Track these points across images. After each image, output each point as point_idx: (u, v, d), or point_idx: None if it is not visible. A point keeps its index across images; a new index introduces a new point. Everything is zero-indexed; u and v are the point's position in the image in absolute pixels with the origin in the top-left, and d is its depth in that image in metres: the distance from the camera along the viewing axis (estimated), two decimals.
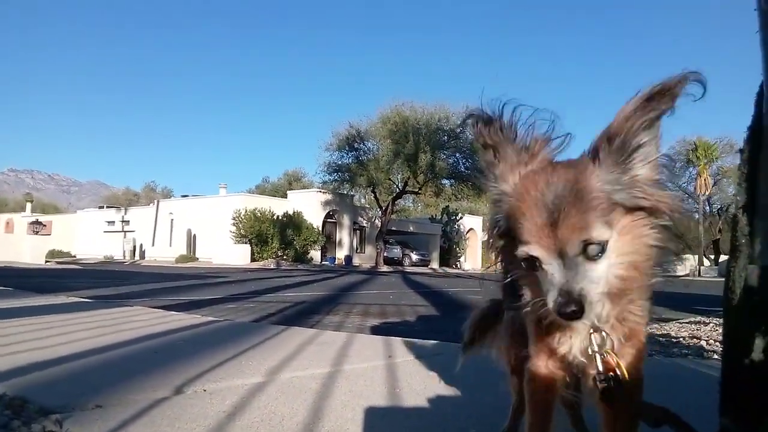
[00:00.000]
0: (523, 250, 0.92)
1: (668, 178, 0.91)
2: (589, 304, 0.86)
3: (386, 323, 5.34)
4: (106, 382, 2.12)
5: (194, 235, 34.71)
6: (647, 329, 1.01)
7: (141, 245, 38.01)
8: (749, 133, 1.00)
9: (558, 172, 0.94)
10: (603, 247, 0.87)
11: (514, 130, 1.06)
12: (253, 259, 30.08)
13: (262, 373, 2.39)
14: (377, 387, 2.19)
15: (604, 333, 0.95)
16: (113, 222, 41.78)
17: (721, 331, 1.32)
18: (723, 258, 41.53)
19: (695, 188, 41.76)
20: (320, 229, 35.21)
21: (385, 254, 35.83)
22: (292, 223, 32.17)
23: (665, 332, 4.84)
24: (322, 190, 37.31)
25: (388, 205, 36.71)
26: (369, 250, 40.41)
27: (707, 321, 5.37)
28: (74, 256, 36.09)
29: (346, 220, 38.91)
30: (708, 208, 46.75)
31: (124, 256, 36.22)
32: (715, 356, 3.29)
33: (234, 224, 31.10)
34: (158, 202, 40.94)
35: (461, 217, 45.16)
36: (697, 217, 40.54)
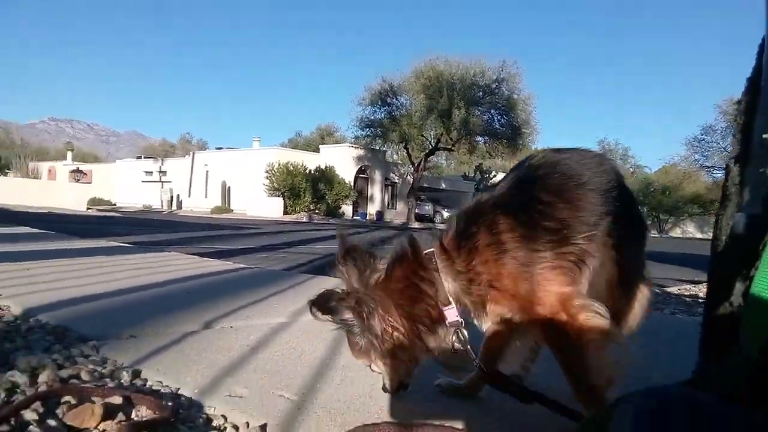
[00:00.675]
0: None
1: None
2: None
3: None
4: (140, 317, 2.27)
5: (228, 187, 35.37)
6: None
7: (178, 195, 38.95)
8: (747, 84, 1.00)
9: None
10: None
11: None
12: (285, 212, 30.56)
13: (286, 314, 2.51)
14: None
15: None
16: (151, 172, 42.81)
17: None
18: None
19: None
20: (352, 184, 35.37)
21: (416, 211, 35.85)
22: (325, 177, 32.37)
23: (693, 293, 4.83)
24: (355, 146, 37.25)
25: (420, 162, 36.50)
26: (400, 206, 40.51)
27: None
28: (114, 204, 37.28)
29: (378, 176, 38.96)
30: None
31: (162, 206, 37.22)
32: None
33: (267, 177, 31.49)
34: (194, 153, 41.66)
35: (495, 176, 44.64)
36: None
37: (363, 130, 36.57)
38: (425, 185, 40.22)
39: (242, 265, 4.76)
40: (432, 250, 1.33)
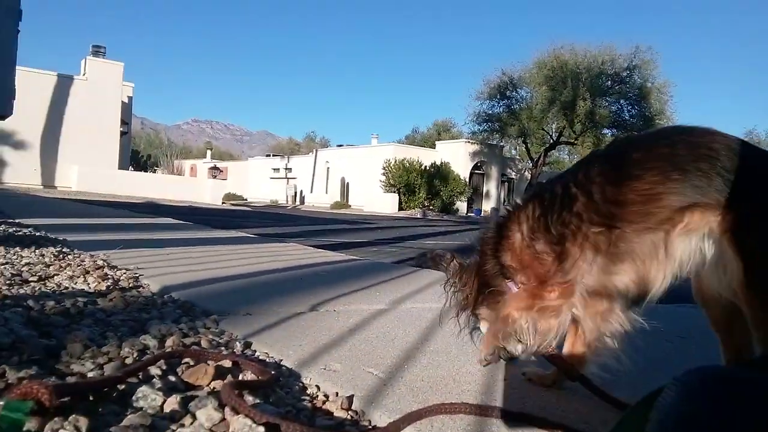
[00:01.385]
0: None
1: None
2: None
3: None
4: (256, 297, 2.51)
5: (347, 183, 36.71)
6: None
7: (301, 191, 41.20)
8: None
9: None
10: None
11: None
12: (400, 208, 31.12)
13: (386, 302, 2.63)
14: None
15: None
16: (278, 169, 45.70)
17: None
18: None
19: None
20: (467, 180, 35.10)
21: None
22: (440, 173, 32.48)
23: None
24: (471, 141, 36.88)
25: (539, 157, 35.26)
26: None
27: None
28: (245, 199, 40.32)
29: (494, 172, 38.28)
30: None
31: (287, 201, 39.60)
32: None
33: (383, 174, 32.25)
34: (316, 151, 43.76)
35: None
36: None
37: (480, 125, 36.11)
38: (544, 181, 38.79)
39: (353, 257, 4.98)
40: None
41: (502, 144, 38.38)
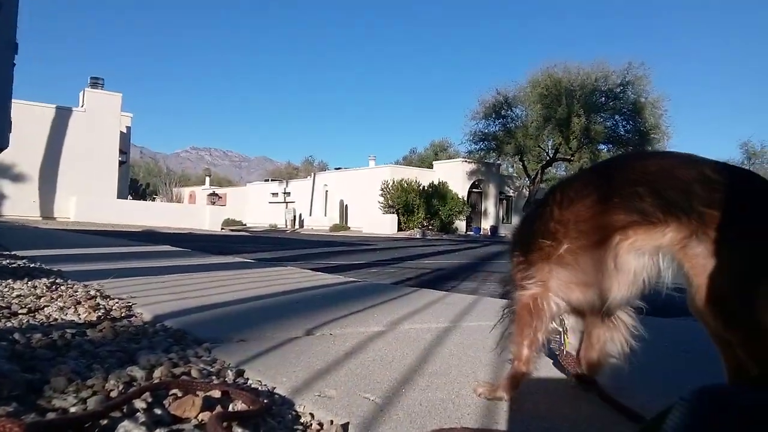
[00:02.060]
0: None
1: None
2: None
3: None
4: (251, 323, 2.45)
5: (346, 206, 36.75)
6: None
7: (300, 215, 41.22)
8: None
9: None
10: None
11: None
12: (399, 229, 31.09)
13: (384, 324, 2.57)
14: (488, 342, 2.24)
15: None
16: (277, 193, 45.80)
17: None
18: None
19: None
20: (465, 199, 35.15)
21: None
22: (438, 193, 32.53)
23: None
24: (468, 160, 37.06)
25: (537, 174, 35.42)
26: (516, 220, 39.44)
27: None
28: (245, 225, 40.25)
29: (491, 190, 38.38)
30: None
31: (286, 225, 39.55)
32: None
33: (382, 195, 32.30)
34: (314, 174, 43.91)
35: None
36: None
37: (476, 144, 36.38)
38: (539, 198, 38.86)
39: (351, 279, 4.92)
40: None
41: (499, 162, 38.57)
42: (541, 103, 32.94)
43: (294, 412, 1.39)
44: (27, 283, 3.44)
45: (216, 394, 1.38)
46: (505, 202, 40.44)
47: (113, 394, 1.39)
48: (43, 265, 4.71)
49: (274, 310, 2.90)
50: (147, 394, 1.30)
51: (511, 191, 40.68)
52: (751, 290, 1.06)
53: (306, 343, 2.13)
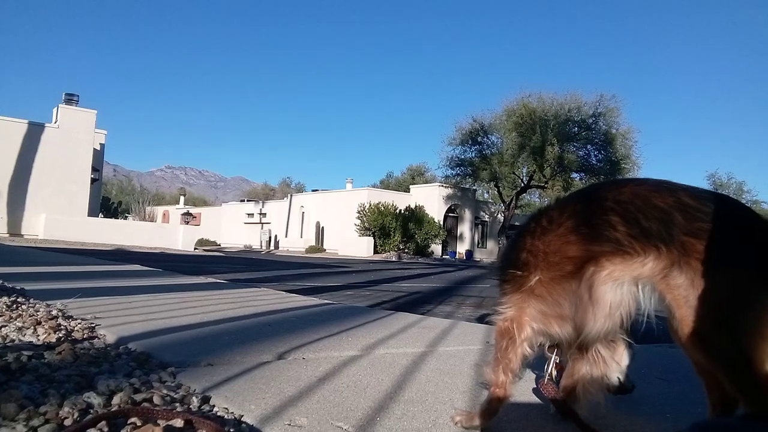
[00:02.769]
0: None
1: None
2: None
3: None
4: (220, 346, 2.35)
5: (322, 228, 36.57)
6: None
7: (276, 236, 40.79)
8: None
9: None
10: None
11: None
12: (375, 251, 30.99)
13: (358, 348, 2.50)
14: (465, 367, 2.20)
15: None
16: (252, 214, 45.34)
17: None
18: None
19: None
20: (441, 223, 35.29)
21: None
22: (414, 216, 32.60)
23: None
24: (444, 185, 37.32)
25: (512, 200, 35.83)
26: (491, 245, 39.79)
27: None
28: (219, 245, 39.68)
29: (467, 215, 38.64)
30: None
31: (261, 246, 39.11)
32: None
33: (358, 217, 32.24)
34: (291, 196, 43.67)
35: None
36: None
37: (453, 170, 36.69)
38: (517, 224, 39.24)
39: (326, 301, 4.83)
40: None
41: (474, 188, 38.93)
42: (516, 132, 33.51)
43: None
44: None
45: (178, 423, 1.29)
46: (480, 226, 40.71)
47: (67, 422, 1.30)
48: (6, 283, 4.51)
49: (245, 333, 2.81)
50: (103, 422, 1.22)
51: (487, 216, 41.02)
52: (735, 322, 1.03)
53: (277, 367, 2.05)
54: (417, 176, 59.92)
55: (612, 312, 1.26)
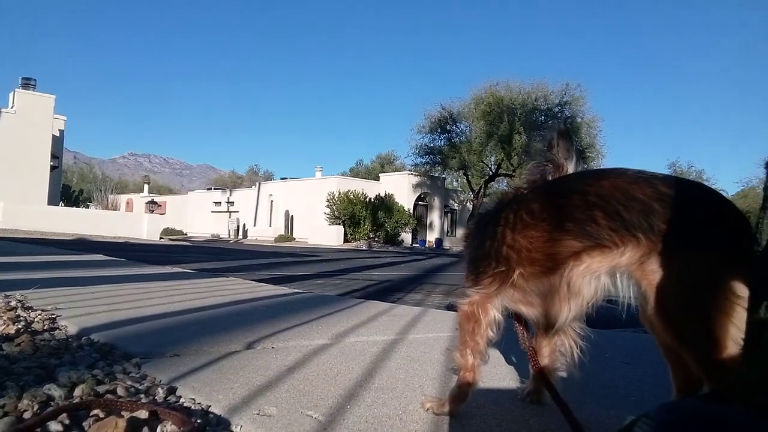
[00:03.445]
0: None
1: None
2: None
3: None
4: (187, 336, 2.31)
5: (292, 216, 36.27)
6: None
7: (244, 225, 40.30)
8: None
9: None
10: None
11: None
12: (345, 240, 30.94)
13: (328, 336, 2.49)
14: (435, 354, 2.22)
15: None
16: (219, 203, 44.63)
17: None
18: None
19: None
20: (411, 211, 35.42)
21: None
22: (384, 205, 32.63)
23: None
24: (414, 173, 37.42)
25: (480, 188, 36.18)
26: (460, 233, 40.10)
27: None
28: (185, 234, 38.96)
29: (437, 203, 38.87)
30: None
31: (229, 235, 38.59)
32: None
33: (328, 206, 32.09)
34: (259, 184, 43.14)
35: None
36: None
37: (422, 158, 36.79)
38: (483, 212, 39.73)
39: (295, 290, 4.80)
40: None
41: (444, 176, 39.16)
42: (484, 120, 33.78)
43: None
44: None
45: (143, 414, 1.26)
46: (450, 215, 41.04)
47: (27, 415, 1.26)
48: None
49: (212, 323, 2.76)
50: (64, 415, 1.18)
51: (456, 205, 41.35)
52: (704, 305, 1.06)
53: (246, 357, 2.02)
54: (386, 164, 59.87)
55: (587, 302, 1.30)
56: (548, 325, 1.46)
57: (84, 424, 1.19)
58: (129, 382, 1.58)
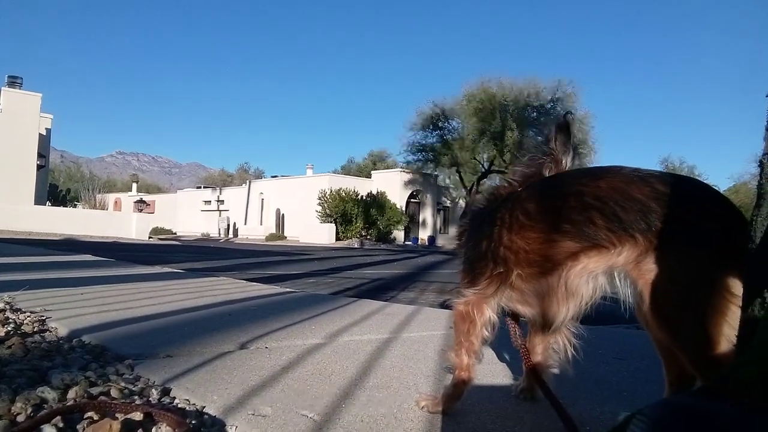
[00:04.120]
0: None
1: None
2: None
3: None
4: (179, 337, 2.30)
5: (283, 215, 36.16)
6: None
7: (234, 223, 40.15)
8: None
9: None
10: None
11: None
12: (337, 238, 30.91)
13: (322, 336, 2.49)
14: (429, 352, 2.23)
15: None
16: (210, 201, 44.41)
17: None
18: None
19: None
20: (403, 209, 35.44)
21: None
22: (376, 203, 32.62)
23: None
24: (406, 170, 37.43)
25: (473, 185, 36.22)
26: (453, 230, 40.16)
27: None
28: (175, 233, 38.77)
29: (429, 201, 38.91)
30: None
31: (219, 234, 38.44)
32: None
33: (320, 204, 32.03)
34: (250, 182, 42.98)
35: None
36: None
37: (414, 155, 36.79)
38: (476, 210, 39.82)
39: (287, 289, 4.79)
40: None
41: (436, 173, 39.20)
42: (476, 117, 33.82)
43: None
44: None
45: (138, 416, 1.26)
46: (442, 212, 41.12)
47: (20, 418, 1.25)
48: None
49: (205, 323, 2.75)
50: (58, 418, 1.17)
51: (449, 202, 41.43)
52: (699, 302, 1.07)
53: (239, 357, 2.02)
54: (378, 162, 59.82)
55: (585, 302, 1.31)
56: (545, 325, 1.46)
57: (78, 426, 1.18)
58: (122, 384, 1.57)
